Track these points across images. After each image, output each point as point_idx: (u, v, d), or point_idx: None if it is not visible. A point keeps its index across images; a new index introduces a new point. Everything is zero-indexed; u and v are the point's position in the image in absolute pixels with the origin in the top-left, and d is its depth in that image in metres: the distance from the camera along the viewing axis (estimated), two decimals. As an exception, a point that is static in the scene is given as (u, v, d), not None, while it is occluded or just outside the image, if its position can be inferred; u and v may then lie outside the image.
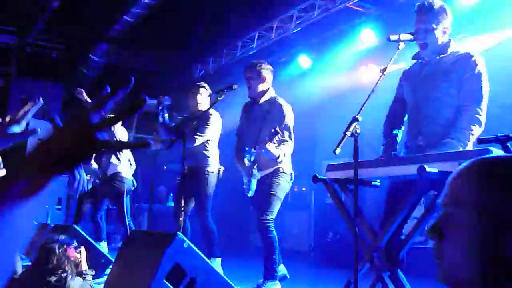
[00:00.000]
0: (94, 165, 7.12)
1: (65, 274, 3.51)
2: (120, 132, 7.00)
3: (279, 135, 4.35)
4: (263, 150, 4.32)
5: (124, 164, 7.02)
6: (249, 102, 4.93)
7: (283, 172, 4.62)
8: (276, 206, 4.56)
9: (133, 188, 7.02)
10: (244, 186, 4.66)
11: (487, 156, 1.17)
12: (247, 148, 4.60)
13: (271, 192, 4.53)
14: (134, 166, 7.35)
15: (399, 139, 3.66)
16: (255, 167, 4.58)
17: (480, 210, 1.00)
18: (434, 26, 3.35)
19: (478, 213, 1.01)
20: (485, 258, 1.00)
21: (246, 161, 4.62)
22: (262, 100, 4.74)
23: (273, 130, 4.33)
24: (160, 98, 5.43)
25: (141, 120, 5.96)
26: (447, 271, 1.07)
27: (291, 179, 4.70)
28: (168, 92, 7.47)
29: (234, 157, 4.88)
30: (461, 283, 1.05)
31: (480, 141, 2.72)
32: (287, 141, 4.57)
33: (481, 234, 1.00)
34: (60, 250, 3.59)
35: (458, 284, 1.05)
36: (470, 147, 3.19)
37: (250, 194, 4.61)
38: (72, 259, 3.63)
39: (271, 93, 4.78)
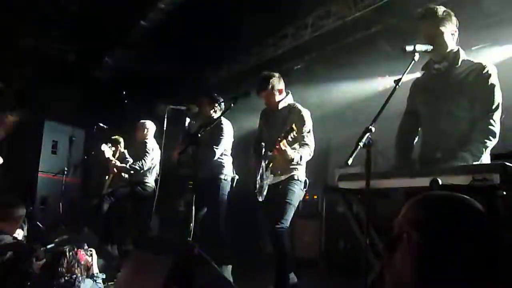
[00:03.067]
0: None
1: (74, 276, 3.52)
2: (151, 143, 7.07)
3: (294, 132, 4.36)
4: (276, 147, 4.32)
5: (153, 174, 7.08)
6: (267, 108, 4.95)
7: (298, 179, 4.63)
8: (291, 214, 4.57)
9: (153, 195, 7.05)
10: (255, 191, 4.66)
11: (430, 193, 1.52)
12: (264, 152, 4.63)
13: (287, 200, 4.53)
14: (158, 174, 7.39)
15: (412, 150, 3.64)
16: (268, 169, 4.58)
17: (423, 229, 1.38)
18: (442, 29, 3.33)
19: (421, 231, 1.38)
20: (424, 264, 1.35)
21: (263, 164, 4.64)
22: (281, 106, 4.77)
23: (288, 128, 4.34)
24: (188, 105, 5.48)
25: (169, 128, 6.01)
26: (396, 277, 1.42)
27: (304, 187, 4.70)
28: (182, 98, 7.50)
29: (252, 158, 4.89)
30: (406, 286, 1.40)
31: (495, 156, 2.69)
32: (307, 144, 4.60)
33: (422, 246, 1.36)
34: (71, 253, 3.60)
35: None
36: (487, 159, 3.16)
37: (261, 198, 4.62)
38: (82, 262, 3.63)
39: (289, 100, 4.81)
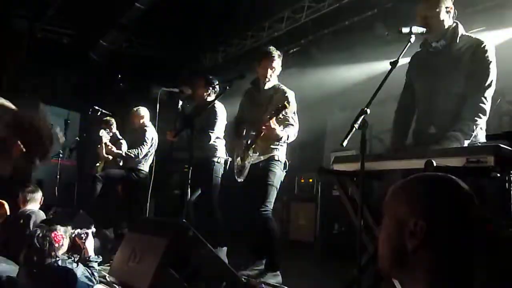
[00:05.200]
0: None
1: (50, 260, 3.38)
2: (151, 131, 7.04)
3: (285, 110, 4.35)
4: (266, 124, 4.32)
5: (149, 161, 7.06)
6: (252, 88, 4.95)
7: (278, 160, 4.63)
8: (274, 196, 4.58)
9: (146, 182, 7.04)
10: (235, 171, 4.67)
11: (405, 179, 1.46)
12: (246, 132, 4.63)
13: (268, 182, 4.54)
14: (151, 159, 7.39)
15: (410, 126, 3.62)
16: (251, 149, 4.58)
17: (392, 216, 1.41)
18: (437, 9, 3.32)
19: (390, 217, 1.41)
20: (394, 248, 1.38)
21: (244, 144, 4.65)
22: (267, 86, 4.76)
23: (280, 105, 4.33)
24: (182, 87, 5.46)
25: (163, 110, 5.99)
26: (379, 263, 1.45)
27: (285, 168, 4.70)
28: (177, 81, 7.46)
29: (233, 140, 4.90)
30: (386, 272, 1.44)
31: (489, 137, 2.70)
32: (292, 125, 4.60)
33: (391, 231, 1.39)
34: (39, 234, 3.44)
35: (386, 273, 1.44)
36: (482, 137, 3.17)
37: (241, 179, 4.62)
38: (57, 244, 3.49)
39: (275, 80, 4.80)
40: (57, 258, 3.41)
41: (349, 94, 7.68)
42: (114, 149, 7.22)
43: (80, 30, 9.76)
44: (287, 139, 4.52)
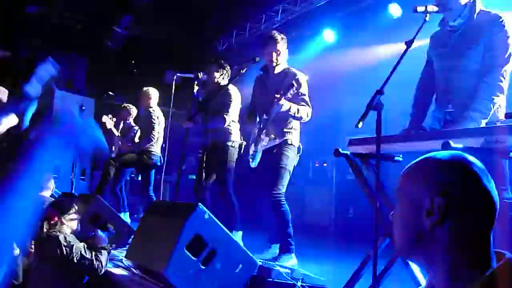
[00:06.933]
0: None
1: (54, 234, 3.59)
2: (157, 112, 7.06)
3: (294, 88, 4.34)
4: (275, 102, 4.31)
5: (159, 141, 7.08)
6: (262, 74, 4.93)
7: (291, 144, 4.62)
8: (287, 179, 4.57)
9: (159, 164, 7.07)
10: (249, 158, 4.67)
11: (418, 159, 1.41)
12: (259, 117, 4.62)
13: (281, 165, 4.53)
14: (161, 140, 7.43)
15: (429, 103, 3.56)
16: (263, 133, 4.57)
17: (407, 197, 1.38)
18: None
19: (405, 198, 1.39)
20: (411, 229, 1.36)
21: (257, 129, 4.65)
22: (277, 70, 4.74)
23: (288, 85, 4.33)
24: (196, 72, 5.45)
25: (178, 96, 5.98)
26: (394, 244, 1.44)
27: (298, 152, 4.69)
28: (191, 65, 7.45)
29: (244, 125, 4.89)
30: (401, 252, 1.46)
31: (507, 115, 2.65)
32: (304, 105, 4.57)
33: (407, 211, 1.37)
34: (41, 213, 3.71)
35: (401, 253, 1.48)
36: (501, 115, 3.12)
37: (254, 164, 4.62)
38: (54, 221, 3.69)
39: (285, 64, 4.77)
40: (58, 233, 3.58)
41: (365, 76, 7.61)
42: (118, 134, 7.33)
43: (93, 16, 9.77)
44: (297, 113, 4.46)
